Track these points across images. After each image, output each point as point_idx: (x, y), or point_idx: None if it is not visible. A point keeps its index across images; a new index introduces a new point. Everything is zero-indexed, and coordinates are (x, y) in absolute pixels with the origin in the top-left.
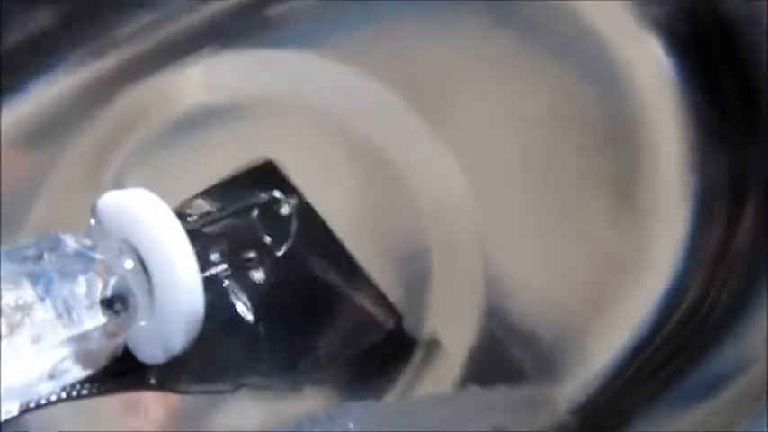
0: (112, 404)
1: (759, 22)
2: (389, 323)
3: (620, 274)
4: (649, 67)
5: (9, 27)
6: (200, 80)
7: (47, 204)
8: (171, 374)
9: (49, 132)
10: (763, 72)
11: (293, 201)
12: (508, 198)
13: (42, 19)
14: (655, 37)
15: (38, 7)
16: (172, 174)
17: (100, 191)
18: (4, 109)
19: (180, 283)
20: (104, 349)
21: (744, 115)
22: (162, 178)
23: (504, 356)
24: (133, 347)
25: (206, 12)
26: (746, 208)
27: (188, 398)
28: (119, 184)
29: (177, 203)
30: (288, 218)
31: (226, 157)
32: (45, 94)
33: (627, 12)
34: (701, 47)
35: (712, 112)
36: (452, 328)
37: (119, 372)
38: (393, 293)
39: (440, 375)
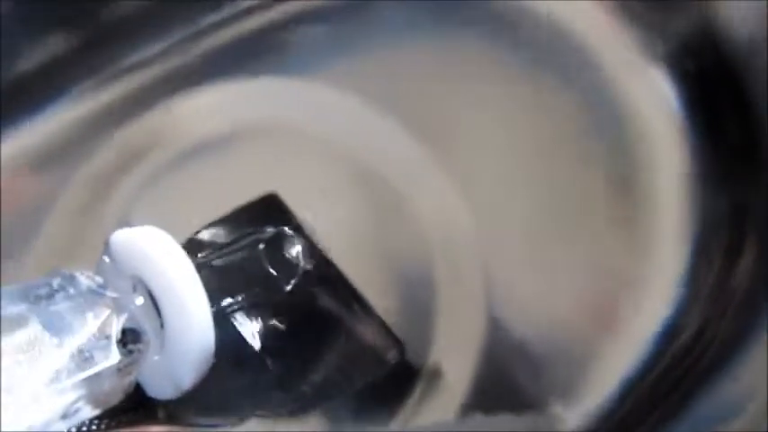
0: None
1: (762, 59)
2: (393, 356)
3: (623, 301)
4: (652, 101)
5: (15, 56)
6: (205, 109)
7: (51, 233)
8: (180, 408)
9: (54, 160)
10: (766, 110)
11: (298, 235)
12: (511, 225)
13: (49, 48)
14: (658, 72)
15: (44, 37)
16: (177, 202)
17: (102, 222)
18: (9, 137)
19: (191, 320)
20: (116, 388)
21: (745, 152)
22: (167, 207)
23: (508, 383)
24: (143, 383)
25: (210, 42)
26: (746, 244)
27: None
28: (124, 213)
29: (183, 231)
30: (294, 253)
31: (230, 185)
32: (51, 122)
33: (631, 46)
34: (705, 83)
35: (714, 147)
36: (456, 355)
37: (128, 407)
38: (396, 322)
39: (443, 403)
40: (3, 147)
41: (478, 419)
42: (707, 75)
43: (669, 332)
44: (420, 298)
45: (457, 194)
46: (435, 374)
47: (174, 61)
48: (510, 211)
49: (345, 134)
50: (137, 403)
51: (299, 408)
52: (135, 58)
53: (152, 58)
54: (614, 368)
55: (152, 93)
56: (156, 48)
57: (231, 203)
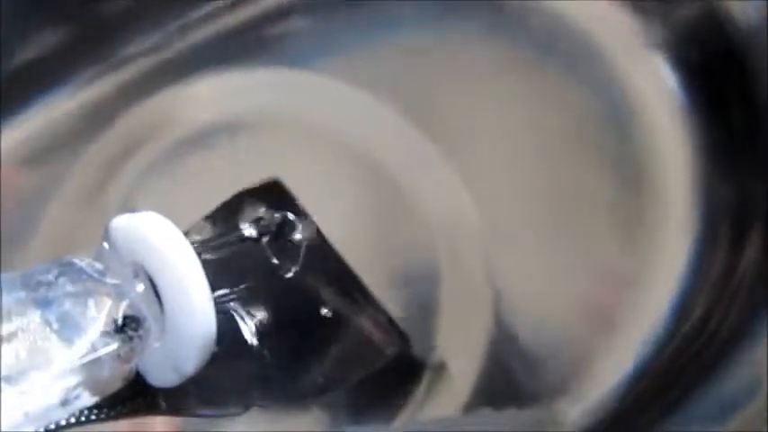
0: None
1: (766, 47)
2: (395, 349)
3: (625, 295)
4: (656, 90)
5: (13, 47)
6: (202, 100)
7: (52, 222)
8: (181, 398)
9: (52, 152)
10: None
11: (302, 222)
12: (516, 218)
13: (46, 40)
14: (662, 60)
15: (41, 29)
16: (177, 191)
17: (104, 211)
18: (8, 128)
19: (192, 306)
20: (116, 375)
21: (750, 141)
22: (168, 195)
23: (512, 379)
24: (144, 371)
25: (206, 32)
26: (751, 234)
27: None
28: (123, 203)
29: (181, 222)
30: (297, 240)
31: (228, 175)
32: (49, 113)
33: (634, 35)
34: (709, 71)
35: (719, 137)
36: (460, 351)
37: (129, 396)
38: (400, 317)
39: (448, 399)
40: (3, 137)
41: (483, 415)
42: (711, 63)
43: (672, 326)
44: (424, 293)
45: (461, 187)
46: (439, 370)
47: (173, 51)
48: (515, 204)
49: (346, 125)
50: (137, 392)
51: (299, 397)
52: (132, 48)
53: (150, 49)
54: (617, 363)
55: (149, 83)
56: (154, 38)
57: (231, 193)
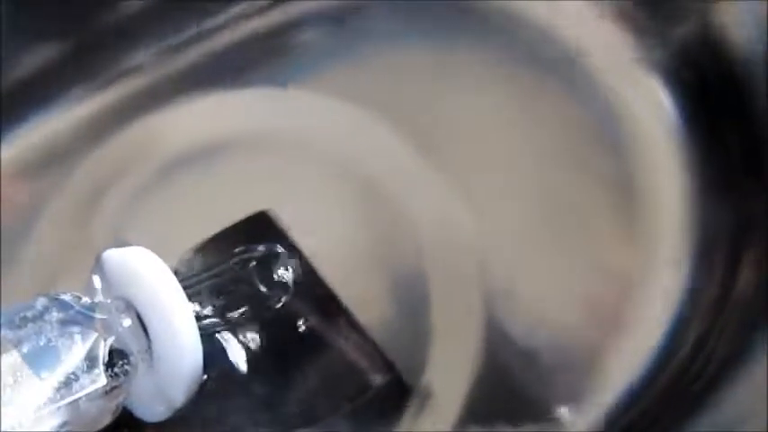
0: None
1: (761, 68)
2: (382, 378)
3: (621, 312)
4: (651, 111)
5: (10, 61)
6: (193, 121)
7: (42, 242)
8: (167, 430)
9: (46, 168)
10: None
11: (290, 254)
12: (511, 236)
13: (43, 54)
14: (657, 82)
15: (39, 43)
16: (169, 212)
17: (94, 229)
18: (4, 143)
19: (179, 341)
20: (103, 412)
21: (746, 164)
22: (159, 217)
23: (510, 395)
24: (131, 406)
25: (198, 52)
26: (747, 257)
27: None
28: (113, 224)
29: (174, 243)
30: (285, 271)
31: (220, 195)
32: (44, 128)
33: (630, 55)
34: (705, 93)
35: (714, 160)
36: (454, 372)
37: (114, 429)
38: (392, 338)
39: (440, 420)
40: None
41: None
42: (707, 83)
43: (669, 344)
44: (418, 312)
45: (454, 203)
46: (429, 391)
47: (166, 70)
48: (510, 223)
49: (337, 143)
50: (124, 425)
51: (287, 427)
52: (125, 66)
53: (143, 67)
54: (617, 376)
55: (144, 101)
56: (147, 56)
57: (224, 213)
